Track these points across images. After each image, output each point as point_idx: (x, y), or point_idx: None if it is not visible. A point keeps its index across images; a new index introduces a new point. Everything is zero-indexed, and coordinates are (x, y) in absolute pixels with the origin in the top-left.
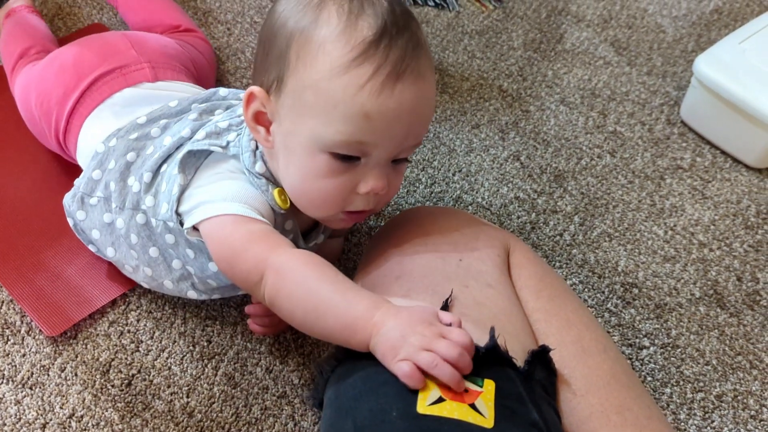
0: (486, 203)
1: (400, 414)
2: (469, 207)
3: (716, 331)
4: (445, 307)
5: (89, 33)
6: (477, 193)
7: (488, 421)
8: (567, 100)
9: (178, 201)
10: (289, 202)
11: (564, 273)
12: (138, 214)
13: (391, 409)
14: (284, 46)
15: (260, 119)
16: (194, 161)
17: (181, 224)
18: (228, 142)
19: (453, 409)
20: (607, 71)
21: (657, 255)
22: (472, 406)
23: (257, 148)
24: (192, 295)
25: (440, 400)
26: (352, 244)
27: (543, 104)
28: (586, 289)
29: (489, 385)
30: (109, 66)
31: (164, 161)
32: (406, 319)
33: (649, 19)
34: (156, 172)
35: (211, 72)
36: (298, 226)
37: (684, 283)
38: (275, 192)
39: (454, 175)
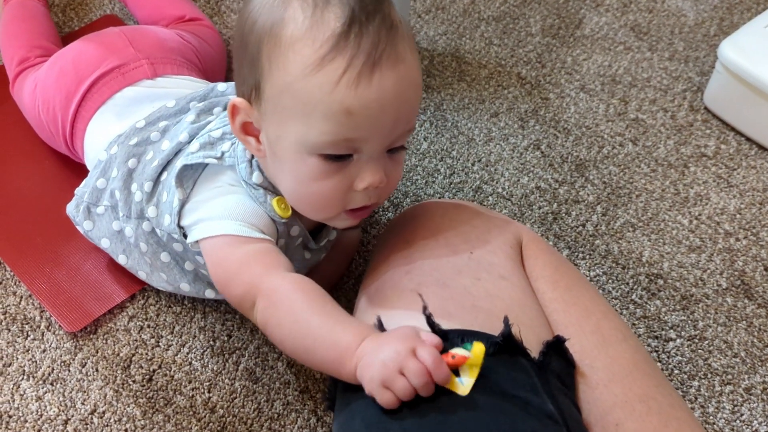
0: (506, 194)
1: (409, 409)
2: (490, 197)
3: (744, 322)
4: (428, 318)
5: (101, 25)
6: (497, 183)
7: (465, 389)
8: (587, 87)
9: (179, 215)
10: (290, 209)
11: (587, 264)
12: (144, 222)
13: (399, 408)
14: (256, 52)
15: (248, 130)
16: (191, 173)
17: (185, 236)
18: (223, 153)
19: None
20: (627, 57)
21: (682, 245)
22: (455, 372)
23: (253, 157)
24: (210, 294)
25: None
26: (371, 236)
27: (563, 91)
28: (609, 281)
29: (478, 348)
30: (107, 66)
31: (164, 168)
32: (384, 343)
33: (670, 3)
34: (156, 181)
35: (220, 61)
36: (305, 229)
37: (710, 274)
38: (274, 202)
39: (473, 165)
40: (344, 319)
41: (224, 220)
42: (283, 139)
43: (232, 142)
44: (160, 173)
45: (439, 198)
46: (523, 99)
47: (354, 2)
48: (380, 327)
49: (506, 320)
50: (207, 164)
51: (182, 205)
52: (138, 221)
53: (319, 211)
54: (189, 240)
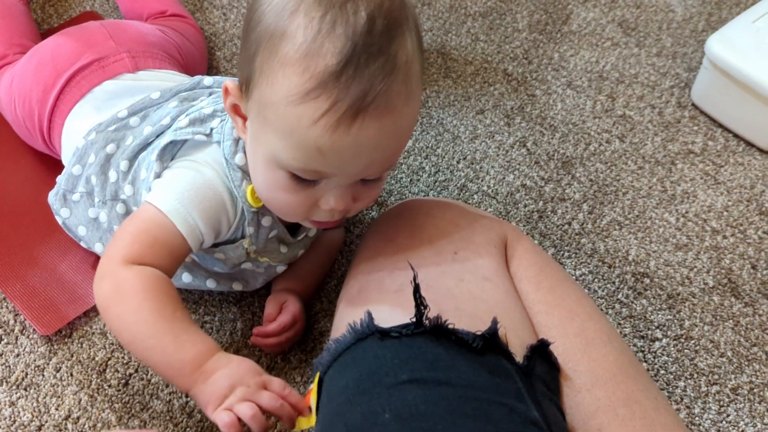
0: (492, 192)
1: (394, 415)
2: (475, 196)
3: (731, 321)
4: (417, 289)
5: (81, 22)
6: (482, 181)
7: (311, 420)
8: (574, 83)
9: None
10: None
11: (573, 263)
12: (117, 204)
13: (384, 410)
14: (253, 50)
15: (238, 111)
16: (172, 147)
17: None
18: (212, 129)
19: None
20: (615, 53)
21: (669, 243)
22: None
23: (240, 138)
24: (211, 285)
25: None
26: (354, 235)
27: (549, 88)
28: (595, 280)
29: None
30: (87, 59)
31: (143, 149)
32: (235, 369)
33: None
34: (133, 159)
35: (201, 59)
36: (279, 223)
37: (697, 272)
38: (249, 189)
39: (458, 162)
40: (191, 333)
41: (170, 195)
42: (261, 143)
43: (221, 119)
44: (138, 153)
45: (424, 196)
46: (510, 96)
47: (361, 36)
48: (370, 320)
49: (494, 320)
50: (188, 139)
51: (156, 177)
52: (112, 203)
53: (284, 215)
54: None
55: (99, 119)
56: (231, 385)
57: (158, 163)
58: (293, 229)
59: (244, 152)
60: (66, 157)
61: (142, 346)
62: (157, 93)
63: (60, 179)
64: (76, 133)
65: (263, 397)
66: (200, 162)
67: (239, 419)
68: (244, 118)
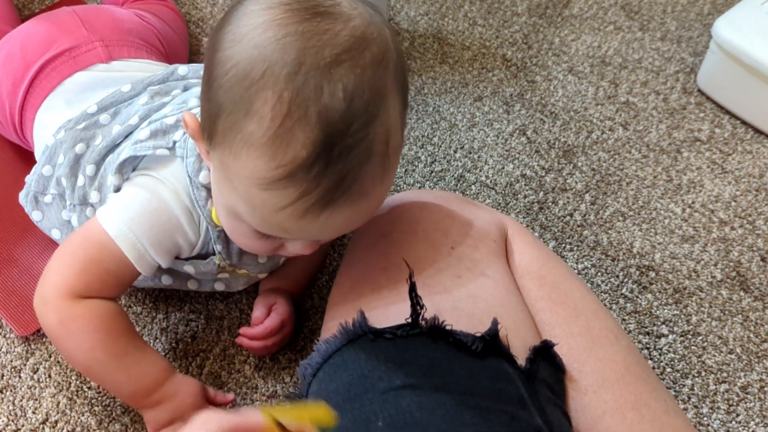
0: (490, 182)
1: (387, 423)
2: (473, 186)
3: (740, 316)
4: (413, 288)
5: (63, 5)
6: (480, 171)
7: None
8: (575, 69)
9: None
10: None
11: (575, 256)
12: (87, 209)
13: (377, 418)
14: (216, 111)
15: (198, 139)
16: (132, 161)
17: None
18: (174, 143)
19: None
20: (617, 37)
21: (675, 235)
22: None
23: None
24: (166, 281)
25: None
26: None
27: (550, 74)
28: (599, 274)
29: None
30: (57, 49)
31: (109, 152)
32: (177, 404)
33: None
34: (100, 163)
35: (182, 45)
36: None
37: (704, 265)
38: (214, 209)
39: (455, 152)
40: (144, 365)
41: (120, 219)
42: (221, 192)
43: (185, 132)
44: (105, 156)
45: (420, 188)
46: (509, 82)
47: (336, 125)
48: (363, 320)
49: (495, 321)
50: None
51: (116, 190)
52: (81, 208)
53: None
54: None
55: (70, 114)
56: (171, 419)
57: (117, 176)
58: None
59: (209, 170)
60: (38, 153)
61: (94, 378)
62: (128, 86)
63: (29, 179)
64: (46, 129)
65: None
66: (160, 179)
67: None
68: (207, 150)
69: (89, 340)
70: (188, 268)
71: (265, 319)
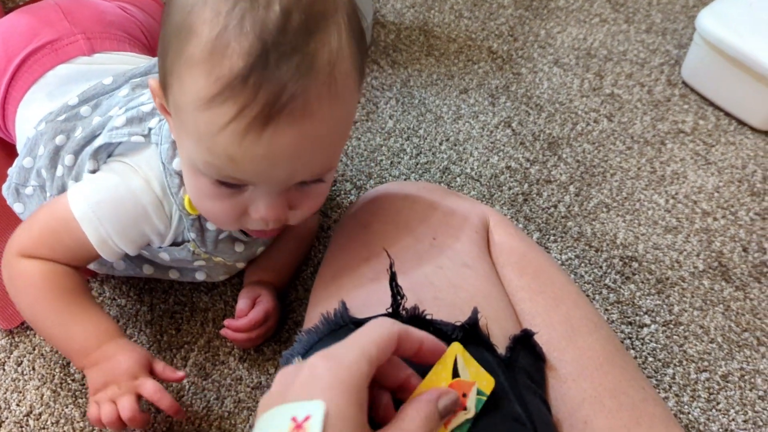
0: (475, 174)
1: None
2: (458, 178)
3: (721, 306)
4: (393, 277)
5: None
6: (466, 163)
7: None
8: (561, 61)
9: None
10: None
11: (559, 247)
12: None
13: None
14: (164, 49)
15: (167, 112)
16: (108, 147)
17: None
18: (150, 129)
19: None
20: (603, 29)
21: (658, 226)
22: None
23: None
24: (147, 270)
25: None
26: (331, 220)
27: (535, 66)
28: (582, 264)
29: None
30: (38, 42)
31: (88, 142)
32: (113, 367)
33: None
34: (78, 153)
35: None
36: None
37: (687, 256)
38: (187, 197)
39: (441, 144)
40: (85, 323)
41: (86, 201)
42: (181, 148)
43: (160, 119)
44: (83, 146)
45: (405, 179)
46: (494, 74)
47: (272, 34)
48: (344, 311)
49: (475, 310)
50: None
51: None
52: None
53: (216, 224)
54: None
55: (52, 106)
56: (105, 382)
57: (92, 161)
58: None
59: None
60: (20, 147)
61: (39, 332)
62: (109, 78)
63: (11, 171)
64: (28, 121)
65: (122, 404)
66: (134, 166)
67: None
68: (166, 109)
69: (30, 296)
70: (163, 255)
71: (250, 311)
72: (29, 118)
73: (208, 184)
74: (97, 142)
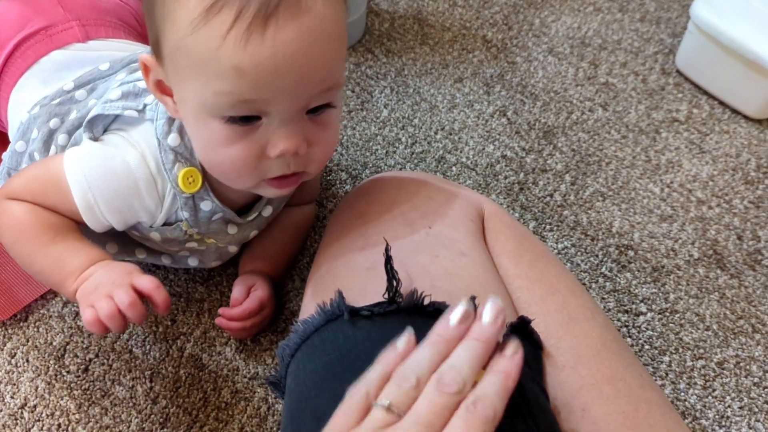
0: (471, 163)
1: None
2: (453, 167)
3: (716, 293)
4: (388, 260)
5: None
6: (461, 152)
7: None
8: (555, 50)
9: None
10: (200, 183)
11: (555, 236)
12: None
13: None
14: (151, 3)
15: (164, 88)
16: (103, 120)
17: None
18: (145, 105)
19: None
20: (597, 18)
21: (653, 214)
22: None
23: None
24: (140, 254)
25: None
26: (327, 210)
27: (530, 55)
28: (579, 253)
29: None
30: (32, 27)
31: (82, 122)
32: (106, 272)
33: None
34: (72, 133)
35: None
36: (221, 205)
37: (682, 244)
38: (181, 173)
39: (436, 133)
40: (72, 250)
41: (81, 166)
42: (185, 100)
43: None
44: (78, 127)
45: (400, 169)
46: (489, 63)
47: None
48: (341, 300)
49: (473, 298)
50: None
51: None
52: None
53: (234, 180)
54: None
55: (45, 92)
56: (96, 285)
57: (87, 133)
58: (246, 209)
59: (179, 132)
60: (12, 133)
61: (29, 270)
62: (106, 64)
63: (4, 156)
64: (21, 107)
65: (118, 294)
66: (131, 140)
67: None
68: (171, 95)
69: (15, 230)
70: (154, 235)
71: (244, 300)
72: (22, 103)
73: (220, 127)
74: (91, 113)
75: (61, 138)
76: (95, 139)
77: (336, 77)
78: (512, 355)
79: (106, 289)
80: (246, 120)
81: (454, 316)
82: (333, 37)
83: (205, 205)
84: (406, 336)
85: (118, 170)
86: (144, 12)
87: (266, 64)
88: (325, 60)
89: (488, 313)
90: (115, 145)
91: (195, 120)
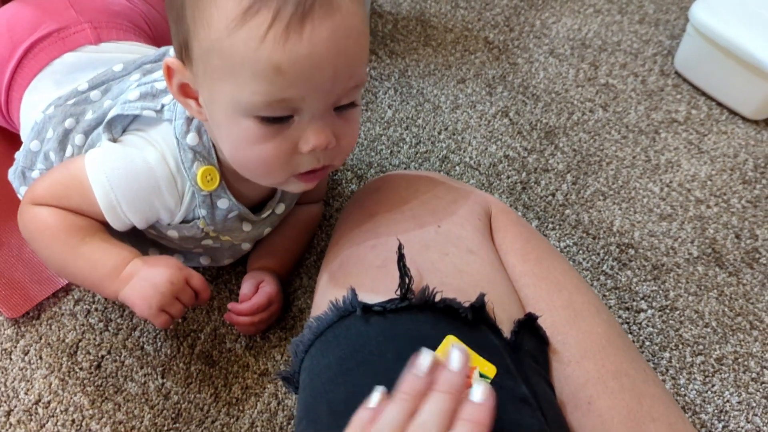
0: (474, 163)
1: None
2: (457, 167)
3: (715, 291)
4: (401, 258)
5: None
6: (464, 152)
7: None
8: (556, 51)
9: None
10: (217, 181)
11: (557, 235)
12: None
13: (369, 391)
14: (180, 7)
15: (187, 91)
16: (122, 120)
17: None
18: (163, 106)
19: None
20: (597, 20)
21: (653, 213)
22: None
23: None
24: (153, 252)
25: None
26: (334, 209)
27: (531, 56)
28: (580, 252)
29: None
30: (45, 30)
31: (99, 123)
32: (154, 270)
33: None
34: (89, 133)
35: (168, 29)
36: (237, 203)
37: (681, 242)
38: (200, 172)
39: (439, 133)
40: (105, 250)
41: (103, 166)
42: (216, 101)
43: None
44: (95, 127)
45: (405, 168)
46: (491, 64)
47: None
48: (353, 297)
49: (481, 294)
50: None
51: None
52: None
53: (265, 176)
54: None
55: (59, 93)
56: (153, 285)
57: (107, 134)
58: (259, 207)
59: (197, 132)
60: (25, 133)
61: (63, 273)
62: (119, 65)
63: (18, 155)
64: (34, 109)
65: (183, 297)
66: (150, 140)
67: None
68: (195, 98)
69: (45, 236)
70: (171, 233)
71: (253, 296)
72: (35, 104)
73: (253, 126)
74: (110, 114)
75: (77, 138)
76: (114, 140)
77: (362, 74)
78: (483, 401)
79: (165, 288)
80: (278, 119)
81: (420, 368)
82: (361, 33)
83: (222, 203)
84: (378, 394)
85: (139, 170)
86: (169, 16)
87: (304, 62)
88: (356, 55)
89: (455, 361)
90: (134, 145)
91: (227, 120)
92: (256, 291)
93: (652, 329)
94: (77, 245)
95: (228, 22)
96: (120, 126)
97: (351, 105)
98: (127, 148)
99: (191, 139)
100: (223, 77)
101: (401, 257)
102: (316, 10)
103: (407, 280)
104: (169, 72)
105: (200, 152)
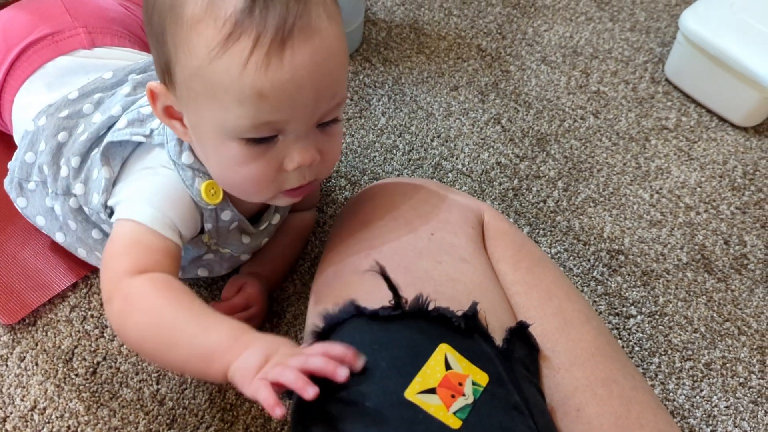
0: (466, 170)
1: (373, 403)
2: (449, 174)
3: (704, 297)
4: (384, 276)
5: None
6: (457, 159)
7: (456, 423)
8: (548, 58)
9: (109, 193)
10: (220, 194)
11: (548, 241)
12: (71, 199)
13: (364, 399)
14: (160, 32)
15: (172, 113)
16: (119, 151)
17: (111, 215)
18: (152, 131)
19: (431, 405)
20: (589, 27)
21: (643, 220)
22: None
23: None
24: None
25: (431, 391)
26: (327, 216)
27: (523, 64)
28: (571, 258)
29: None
30: (39, 33)
31: (94, 143)
32: (269, 342)
33: None
34: (85, 157)
35: None
36: (239, 214)
37: (671, 249)
38: (203, 187)
39: (432, 140)
40: (215, 316)
41: (141, 204)
42: (201, 124)
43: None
44: (90, 148)
45: (398, 176)
46: (484, 72)
47: None
48: (348, 305)
49: (474, 303)
50: (138, 142)
51: (112, 183)
52: (65, 198)
53: (252, 195)
54: (112, 219)
55: (50, 98)
56: (266, 356)
57: (107, 168)
58: (256, 218)
59: (190, 150)
60: (17, 137)
61: (167, 343)
62: (109, 73)
63: (12, 166)
64: (25, 111)
65: (295, 361)
66: (154, 166)
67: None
68: (180, 119)
69: (151, 299)
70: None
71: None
72: (27, 107)
73: (239, 147)
74: (103, 145)
75: (74, 161)
76: (113, 180)
77: (343, 93)
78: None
79: (275, 359)
80: (264, 140)
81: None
82: (340, 53)
83: (225, 215)
84: None
85: (171, 186)
86: (149, 41)
87: (286, 86)
88: (336, 75)
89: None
90: (149, 174)
91: (212, 142)
92: (237, 292)
93: (641, 335)
94: (188, 307)
95: (209, 49)
96: (119, 158)
97: (333, 121)
98: (149, 178)
99: (186, 158)
100: (207, 102)
101: (384, 275)
102: (295, 34)
103: (397, 294)
104: (153, 96)
105: (198, 168)
